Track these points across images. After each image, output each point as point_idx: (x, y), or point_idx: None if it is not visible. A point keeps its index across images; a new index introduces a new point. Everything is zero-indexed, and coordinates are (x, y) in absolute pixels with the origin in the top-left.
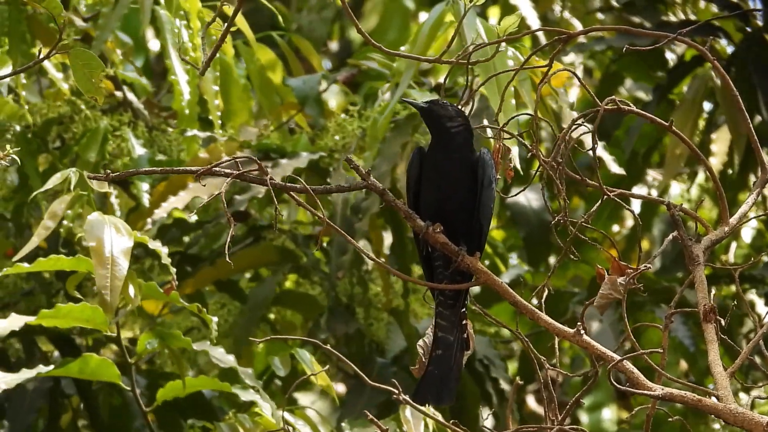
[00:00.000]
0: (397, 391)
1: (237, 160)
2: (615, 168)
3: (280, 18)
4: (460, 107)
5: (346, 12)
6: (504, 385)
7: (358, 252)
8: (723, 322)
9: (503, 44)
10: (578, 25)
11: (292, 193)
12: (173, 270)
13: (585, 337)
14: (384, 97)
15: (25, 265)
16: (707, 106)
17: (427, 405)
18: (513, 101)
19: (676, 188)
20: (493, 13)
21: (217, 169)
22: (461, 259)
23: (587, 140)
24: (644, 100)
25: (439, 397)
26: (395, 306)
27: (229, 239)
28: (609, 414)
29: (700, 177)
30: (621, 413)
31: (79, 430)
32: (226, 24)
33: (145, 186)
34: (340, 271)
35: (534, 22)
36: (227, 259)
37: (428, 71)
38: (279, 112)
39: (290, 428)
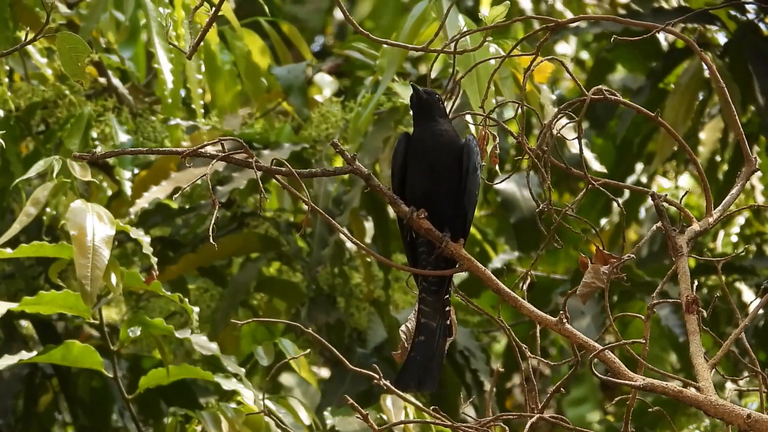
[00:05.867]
0: (378, 376)
1: (222, 141)
2: (596, 166)
3: (266, 8)
4: (443, 97)
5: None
6: (483, 378)
7: (339, 244)
8: (705, 314)
9: (487, 39)
10: (569, 15)
11: (277, 176)
12: (154, 259)
13: (567, 325)
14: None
15: (8, 250)
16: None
17: (408, 391)
18: (494, 100)
19: (669, 183)
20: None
21: (202, 150)
22: (445, 245)
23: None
24: (633, 90)
25: (421, 383)
26: (376, 297)
27: (213, 221)
28: (596, 417)
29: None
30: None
31: (60, 411)
32: (213, 10)
33: (127, 174)
34: (320, 265)
35: (528, 10)
36: (211, 241)
37: (416, 62)
38: (264, 99)
39: (272, 417)
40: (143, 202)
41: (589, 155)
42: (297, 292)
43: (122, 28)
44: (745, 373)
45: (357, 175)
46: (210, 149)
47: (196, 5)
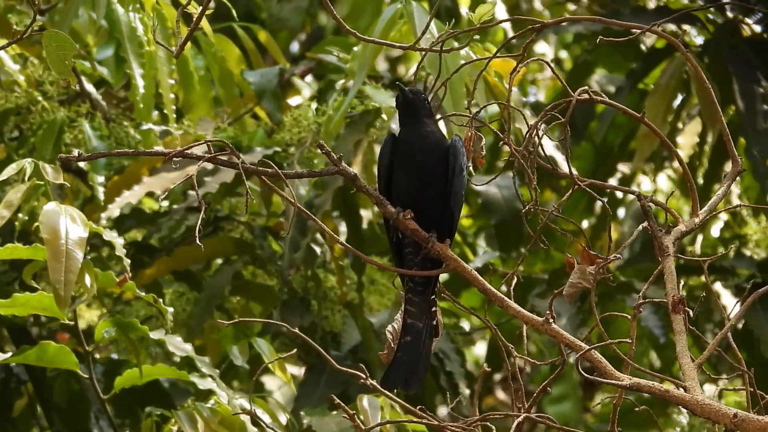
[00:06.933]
0: (364, 376)
1: (209, 143)
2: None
3: (233, 12)
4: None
5: None
6: (458, 380)
7: (311, 247)
8: (691, 314)
9: (456, 44)
10: (549, 17)
11: (264, 177)
12: (127, 261)
13: (554, 325)
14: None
15: None
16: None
17: (394, 391)
18: (465, 102)
19: (647, 184)
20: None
21: (189, 151)
22: (431, 245)
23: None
24: (612, 94)
25: (407, 383)
26: (350, 299)
27: (200, 221)
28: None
29: (670, 170)
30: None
31: (36, 415)
32: (198, 11)
33: (100, 179)
34: (291, 268)
35: (503, 15)
36: (198, 242)
37: (394, 64)
38: (237, 103)
39: (252, 416)
40: (116, 207)
41: (562, 159)
42: (272, 296)
43: (102, 30)
44: (724, 375)
45: (343, 176)
46: (195, 150)
47: (179, 10)
